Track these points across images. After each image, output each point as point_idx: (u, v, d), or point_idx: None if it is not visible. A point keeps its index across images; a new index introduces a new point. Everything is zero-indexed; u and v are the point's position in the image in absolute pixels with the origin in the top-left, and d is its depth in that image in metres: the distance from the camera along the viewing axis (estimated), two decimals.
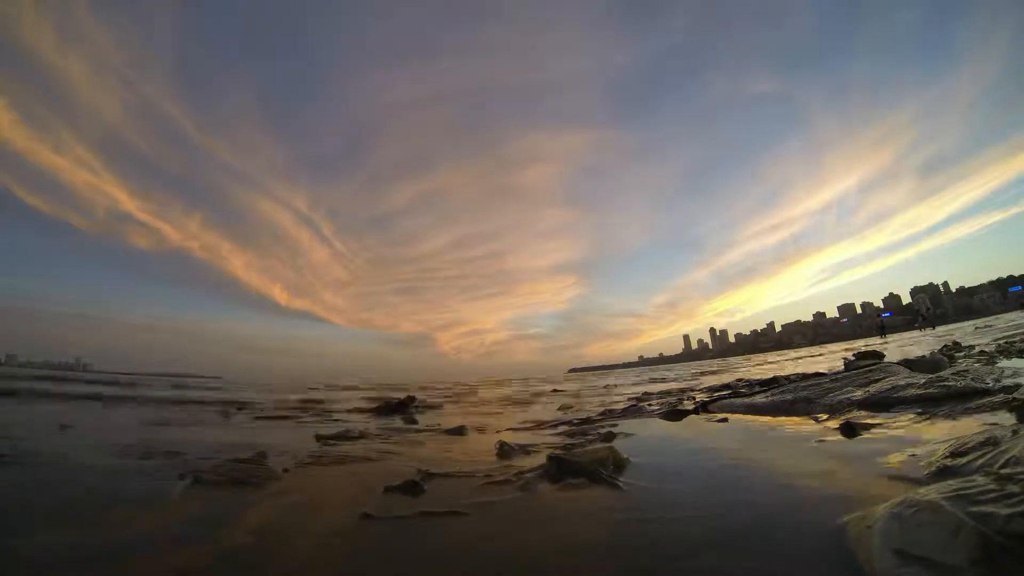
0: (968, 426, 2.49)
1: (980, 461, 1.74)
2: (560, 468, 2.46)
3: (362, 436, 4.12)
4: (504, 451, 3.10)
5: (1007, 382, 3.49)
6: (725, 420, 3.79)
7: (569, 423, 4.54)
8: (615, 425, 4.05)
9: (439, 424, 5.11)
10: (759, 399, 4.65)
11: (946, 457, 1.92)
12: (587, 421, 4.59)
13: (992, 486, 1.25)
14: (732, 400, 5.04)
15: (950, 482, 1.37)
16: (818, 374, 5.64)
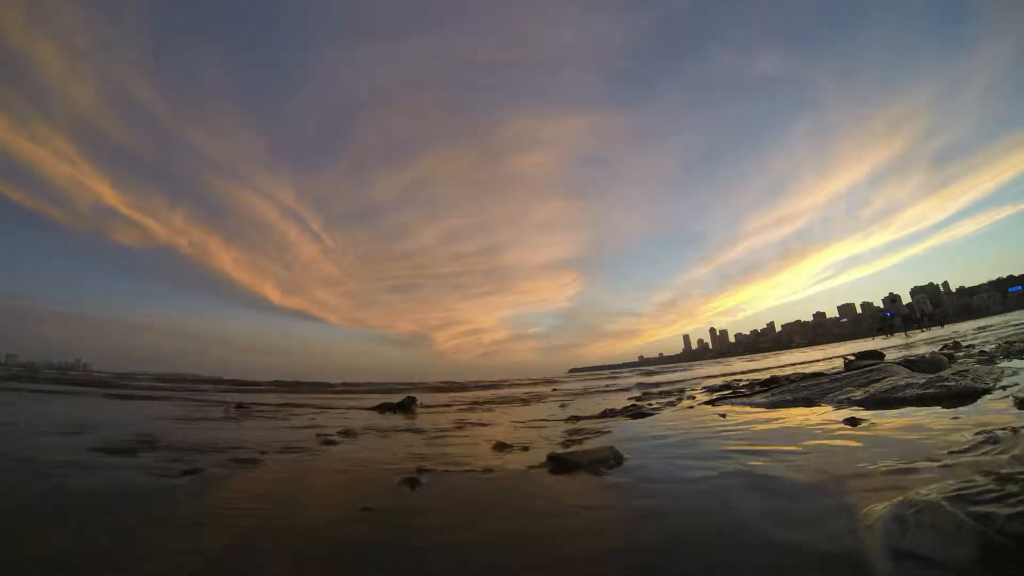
0: (968, 426, 2.49)
1: (980, 461, 1.74)
2: (559, 466, 2.46)
3: (364, 434, 4.13)
4: (503, 449, 3.10)
5: (1007, 382, 3.49)
6: (725, 416, 3.80)
7: (569, 421, 4.54)
8: (616, 424, 4.06)
9: (439, 423, 5.12)
10: (759, 399, 4.66)
11: (946, 457, 1.92)
12: (588, 419, 4.59)
13: (992, 486, 1.25)
14: (732, 399, 5.05)
15: (950, 482, 1.37)
16: (818, 374, 5.64)
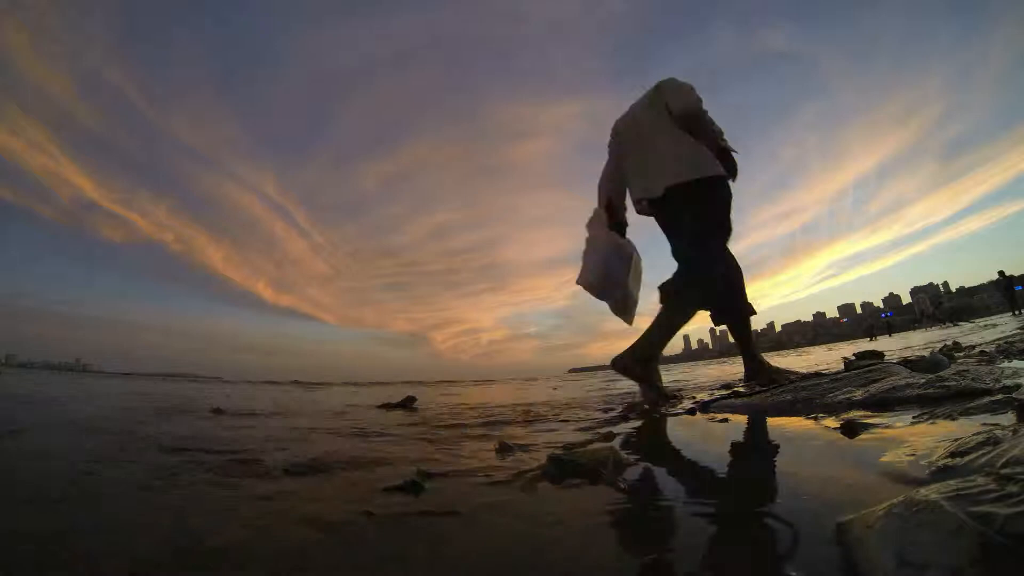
0: (968, 426, 2.49)
1: (980, 461, 1.74)
2: (560, 468, 2.46)
3: (364, 434, 4.13)
4: (504, 450, 3.11)
5: (1007, 382, 3.49)
6: (726, 420, 3.80)
7: (570, 421, 4.54)
8: (616, 425, 4.06)
9: (440, 423, 5.12)
10: (759, 399, 4.66)
11: (946, 457, 1.92)
12: (588, 420, 4.59)
13: (992, 486, 1.25)
14: (732, 400, 5.05)
15: (950, 482, 1.37)
16: (818, 374, 5.64)
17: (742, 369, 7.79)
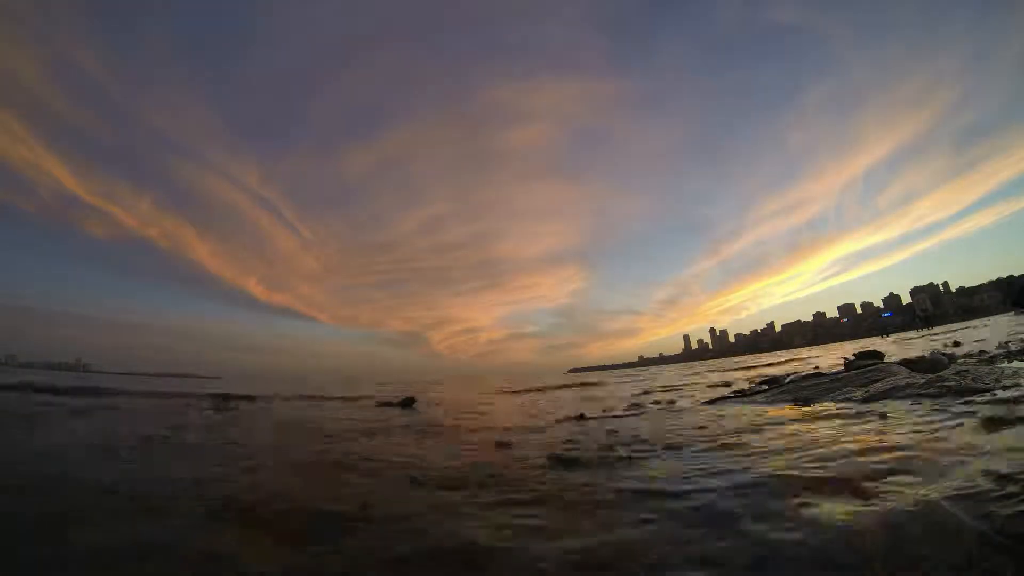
0: (968, 426, 2.48)
1: (980, 460, 1.74)
2: (560, 466, 2.46)
3: (365, 433, 4.12)
4: (504, 448, 3.11)
5: (1007, 382, 3.49)
6: (724, 416, 3.80)
7: (571, 420, 4.54)
8: (617, 423, 4.06)
9: (440, 422, 5.12)
10: (759, 399, 4.66)
11: (945, 457, 1.92)
12: (590, 418, 4.59)
13: (992, 486, 1.25)
14: (732, 400, 5.05)
15: (950, 482, 1.37)
16: (818, 374, 5.65)
17: (743, 369, 7.76)
